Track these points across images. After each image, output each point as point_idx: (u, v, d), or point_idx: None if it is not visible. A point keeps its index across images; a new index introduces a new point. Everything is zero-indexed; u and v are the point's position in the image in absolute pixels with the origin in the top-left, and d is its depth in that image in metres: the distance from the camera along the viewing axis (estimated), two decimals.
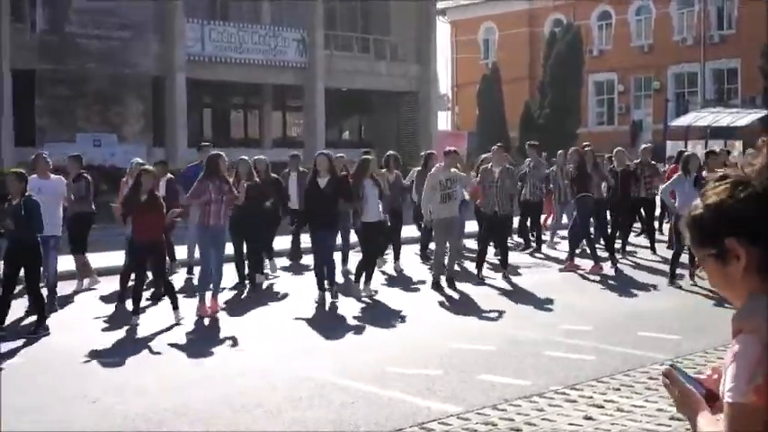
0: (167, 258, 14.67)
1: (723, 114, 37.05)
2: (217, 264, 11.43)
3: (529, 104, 41.29)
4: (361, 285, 12.34)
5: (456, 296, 12.37)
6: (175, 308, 10.77)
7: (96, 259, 13.74)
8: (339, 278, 13.05)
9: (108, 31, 28.00)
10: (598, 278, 13.80)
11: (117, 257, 12.91)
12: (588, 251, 14.61)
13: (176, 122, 29.48)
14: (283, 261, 15.52)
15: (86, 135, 27.10)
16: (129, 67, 28.14)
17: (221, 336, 10.11)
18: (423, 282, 13.63)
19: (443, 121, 46.33)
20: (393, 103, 36.76)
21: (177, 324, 10.51)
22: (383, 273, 14.37)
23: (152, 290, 11.96)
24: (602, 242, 15.02)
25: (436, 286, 12.71)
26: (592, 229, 15.09)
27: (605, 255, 14.73)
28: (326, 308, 11.62)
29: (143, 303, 11.20)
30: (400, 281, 13.96)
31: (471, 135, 32.69)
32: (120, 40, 28.21)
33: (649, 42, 44.64)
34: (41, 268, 10.69)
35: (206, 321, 10.84)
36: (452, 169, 13.01)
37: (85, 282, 13.17)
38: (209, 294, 11.27)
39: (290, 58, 32.44)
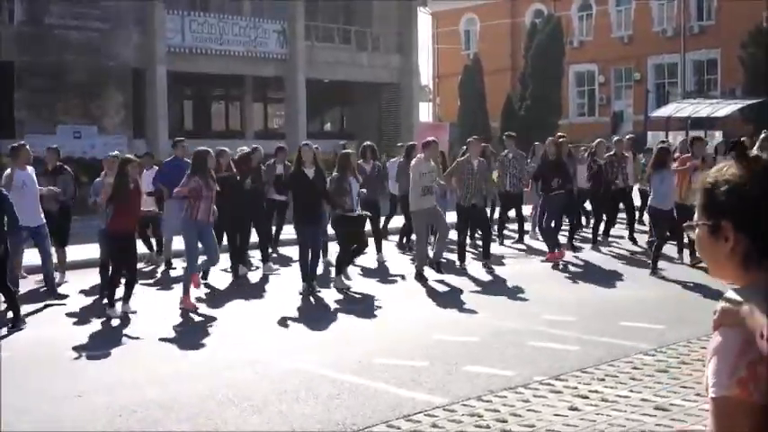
0: (154, 249, 14.80)
1: (703, 105, 37.24)
2: (212, 248, 11.47)
3: (510, 96, 41.37)
4: (342, 277, 12.40)
5: (438, 287, 12.40)
6: (126, 301, 10.74)
7: (75, 252, 13.68)
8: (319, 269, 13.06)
9: (87, 23, 27.81)
10: (579, 269, 13.87)
11: (92, 250, 12.84)
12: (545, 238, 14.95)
13: (157, 114, 29.36)
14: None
15: (66, 127, 26.91)
16: (109, 59, 27.95)
17: (206, 329, 10.08)
18: (402, 274, 13.65)
19: (425, 112, 46.35)
20: (374, 95, 36.74)
21: (122, 316, 10.50)
22: (360, 265, 14.33)
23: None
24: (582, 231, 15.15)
25: (419, 277, 12.74)
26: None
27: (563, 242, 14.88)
28: (311, 300, 11.63)
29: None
30: (382, 272, 13.97)
31: (453, 126, 32.66)
32: (99, 32, 28.02)
33: (629, 33, 44.78)
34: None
35: (192, 315, 10.81)
36: (431, 162, 13.04)
37: (59, 275, 13.06)
38: (194, 287, 11.31)
39: (271, 49, 32.34)
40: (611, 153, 16.49)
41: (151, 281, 13.48)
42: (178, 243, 13.32)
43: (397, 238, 16.86)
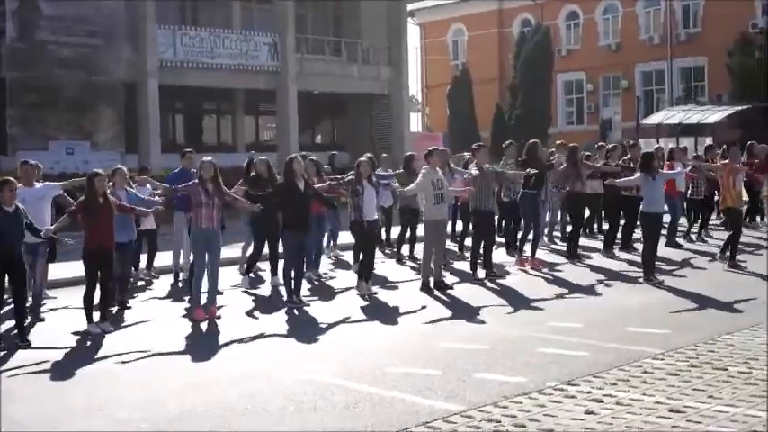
0: (150, 263, 14.84)
1: (693, 112, 37.53)
2: (212, 269, 11.46)
3: (500, 105, 41.62)
4: (364, 282, 12.80)
5: (444, 296, 12.47)
6: (104, 320, 10.72)
7: (66, 269, 13.61)
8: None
9: (79, 38, 27.77)
10: (581, 276, 13.93)
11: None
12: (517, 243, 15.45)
13: (149, 129, 29.33)
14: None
15: (59, 143, 26.92)
16: (100, 74, 27.93)
17: (218, 340, 10.13)
18: (404, 283, 13.82)
19: (414, 122, 46.48)
20: (365, 106, 36.82)
21: (103, 333, 10.48)
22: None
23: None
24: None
25: (425, 288, 12.82)
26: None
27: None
28: (314, 312, 11.69)
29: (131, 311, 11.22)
30: (384, 282, 14.00)
31: (445, 136, 32.83)
32: (91, 47, 28.00)
33: (617, 41, 45.07)
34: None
35: (203, 326, 10.88)
36: (438, 171, 13.15)
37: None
38: (204, 298, 11.35)
39: (262, 62, 32.37)
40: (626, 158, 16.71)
41: (152, 293, 13.54)
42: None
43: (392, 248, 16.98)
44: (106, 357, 9.34)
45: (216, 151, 28.62)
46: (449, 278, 13.63)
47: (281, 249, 12.85)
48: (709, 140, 31.86)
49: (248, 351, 9.49)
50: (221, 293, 12.35)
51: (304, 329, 10.54)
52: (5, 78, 26.55)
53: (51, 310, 12.17)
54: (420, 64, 51.96)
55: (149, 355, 9.34)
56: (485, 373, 8.01)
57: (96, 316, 10.69)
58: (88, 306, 10.63)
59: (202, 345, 9.89)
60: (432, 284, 12.84)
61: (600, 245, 16.85)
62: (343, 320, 11.01)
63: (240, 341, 9.94)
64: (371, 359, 8.78)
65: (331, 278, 14.54)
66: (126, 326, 11.14)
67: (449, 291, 12.75)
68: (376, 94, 36.29)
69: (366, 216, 12.75)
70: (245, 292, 13.32)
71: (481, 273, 13.74)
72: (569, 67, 45.57)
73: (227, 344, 9.89)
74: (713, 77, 41.26)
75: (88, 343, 10.16)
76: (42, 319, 11.46)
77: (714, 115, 36.41)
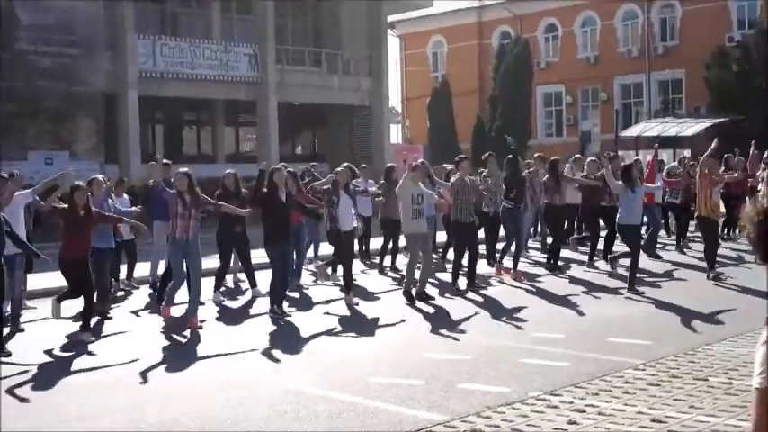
0: (130, 273, 14.79)
1: (671, 124, 37.80)
2: (192, 279, 11.44)
3: (480, 117, 41.78)
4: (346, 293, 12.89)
5: (427, 307, 12.50)
6: (86, 329, 10.71)
7: (43, 280, 13.53)
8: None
9: (59, 48, 27.74)
10: (561, 287, 14.00)
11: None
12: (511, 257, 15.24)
13: (129, 139, 29.26)
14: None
15: (38, 153, 26.81)
16: (80, 84, 27.83)
17: (199, 350, 10.11)
18: (386, 292, 13.81)
19: (394, 134, 46.56)
20: (346, 117, 36.91)
21: (88, 341, 10.48)
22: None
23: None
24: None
25: (408, 297, 12.83)
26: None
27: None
28: (299, 321, 11.68)
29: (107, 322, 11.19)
30: (365, 293, 14.02)
31: (425, 147, 32.91)
32: (70, 57, 27.93)
33: (595, 54, 45.36)
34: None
35: (176, 337, 10.85)
36: (419, 184, 13.16)
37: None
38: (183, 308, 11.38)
39: (242, 73, 32.39)
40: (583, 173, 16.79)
41: (132, 304, 13.49)
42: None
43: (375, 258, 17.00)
44: (92, 369, 9.30)
45: (196, 162, 28.59)
46: (431, 289, 13.62)
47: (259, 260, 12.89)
48: (687, 153, 32.11)
49: (230, 361, 9.46)
50: (203, 304, 12.33)
51: (286, 340, 10.53)
52: None
53: (31, 321, 12.08)
54: (400, 75, 52.10)
55: (131, 364, 9.29)
56: (468, 383, 8.03)
57: (77, 326, 10.66)
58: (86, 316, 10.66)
59: (185, 355, 9.87)
60: (414, 293, 12.84)
61: (579, 256, 16.93)
62: (327, 331, 11.00)
63: (221, 352, 9.90)
64: (353, 370, 8.78)
65: (310, 288, 14.55)
66: (106, 336, 11.11)
67: (430, 301, 12.77)
68: (356, 106, 36.39)
69: (342, 226, 12.73)
70: (223, 303, 13.26)
71: (462, 283, 13.76)
72: (548, 79, 45.81)
73: (209, 355, 9.85)
74: (691, 90, 41.61)
75: (68, 353, 10.10)
76: (22, 330, 11.39)
77: (692, 128, 36.70)
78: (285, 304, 12.38)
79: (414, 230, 12.99)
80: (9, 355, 9.85)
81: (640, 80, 44.19)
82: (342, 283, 13.20)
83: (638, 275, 13.64)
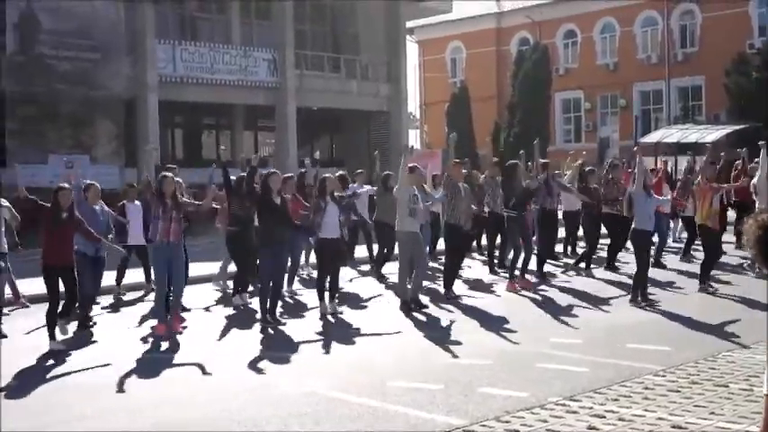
0: (148, 277, 14.80)
1: (692, 131, 37.63)
2: (175, 282, 11.45)
3: (498, 123, 41.74)
4: (327, 302, 12.59)
5: (431, 314, 12.37)
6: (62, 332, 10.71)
7: (28, 285, 13.51)
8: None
9: (79, 53, 27.92)
10: (568, 294, 13.86)
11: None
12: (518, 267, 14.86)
13: (149, 143, 29.33)
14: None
15: (58, 157, 26.90)
16: (100, 89, 28.01)
17: (215, 354, 10.12)
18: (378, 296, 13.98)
19: (412, 139, 46.57)
20: (364, 122, 36.96)
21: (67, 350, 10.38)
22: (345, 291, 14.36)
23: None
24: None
25: (404, 307, 12.59)
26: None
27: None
28: (308, 325, 11.69)
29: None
30: (356, 300, 13.89)
31: (445, 152, 32.81)
32: (91, 62, 28.13)
33: (614, 60, 45.27)
34: None
35: (190, 340, 10.87)
36: (414, 187, 13.11)
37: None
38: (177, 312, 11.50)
39: (262, 77, 32.51)
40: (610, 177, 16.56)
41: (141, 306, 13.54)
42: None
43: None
44: (98, 367, 9.34)
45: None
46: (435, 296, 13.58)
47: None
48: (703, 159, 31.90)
49: (243, 363, 9.41)
50: (188, 310, 12.42)
51: (296, 343, 10.54)
52: (5, 91, 26.59)
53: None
54: (418, 81, 52.13)
55: (141, 364, 9.33)
56: (487, 387, 8.01)
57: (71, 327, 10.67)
58: (51, 323, 10.46)
59: (199, 357, 9.85)
60: (407, 301, 12.64)
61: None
62: (339, 335, 10.95)
63: (233, 355, 9.89)
64: (371, 373, 8.77)
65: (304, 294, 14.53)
66: (121, 334, 11.20)
67: (431, 308, 12.68)
68: (375, 111, 36.43)
69: (326, 233, 12.57)
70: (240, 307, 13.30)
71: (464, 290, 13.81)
72: (567, 85, 45.74)
73: (220, 357, 9.87)
74: (710, 97, 41.44)
75: (51, 360, 9.99)
76: (5, 336, 11.21)
77: (712, 134, 36.52)
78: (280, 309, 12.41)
79: (408, 228, 12.82)
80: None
81: (660, 87, 44.05)
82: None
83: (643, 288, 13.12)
